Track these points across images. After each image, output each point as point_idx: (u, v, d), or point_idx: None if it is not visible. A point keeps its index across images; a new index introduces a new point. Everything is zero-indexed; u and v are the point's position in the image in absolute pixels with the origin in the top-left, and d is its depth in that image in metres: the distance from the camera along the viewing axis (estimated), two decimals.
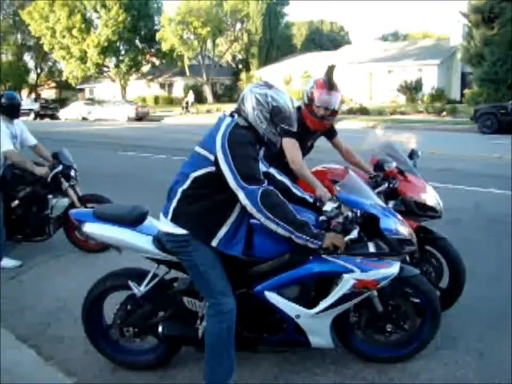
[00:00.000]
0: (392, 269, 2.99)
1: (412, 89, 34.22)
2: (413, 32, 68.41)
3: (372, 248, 2.98)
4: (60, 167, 5.39)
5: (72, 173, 5.54)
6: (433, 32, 64.92)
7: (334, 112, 3.92)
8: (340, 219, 2.97)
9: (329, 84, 3.83)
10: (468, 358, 3.42)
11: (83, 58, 43.69)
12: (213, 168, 2.74)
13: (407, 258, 3.71)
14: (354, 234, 2.90)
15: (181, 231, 2.85)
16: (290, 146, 3.82)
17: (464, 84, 34.67)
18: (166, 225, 2.93)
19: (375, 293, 3.12)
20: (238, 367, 3.00)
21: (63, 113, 38.59)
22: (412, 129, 21.49)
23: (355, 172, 3.72)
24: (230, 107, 21.20)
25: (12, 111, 5.35)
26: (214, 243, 2.84)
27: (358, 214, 3.02)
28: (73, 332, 3.79)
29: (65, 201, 5.53)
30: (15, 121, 5.46)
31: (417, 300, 3.30)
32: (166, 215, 2.92)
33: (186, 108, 36.96)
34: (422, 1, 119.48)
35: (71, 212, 3.48)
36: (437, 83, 34.78)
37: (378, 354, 3.38)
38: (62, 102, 45.83)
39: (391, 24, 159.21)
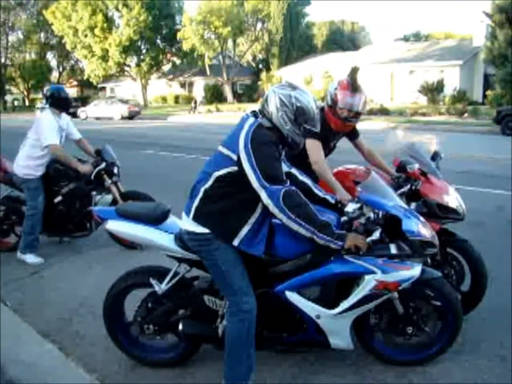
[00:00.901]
0: (414, 271, 2.97)
1: (433, 90, 33.83)
2: (434, 32, 67.68)
3: (393, 249, 2.96)
4: (103, 165, 5.44)
5: (115, 169, 5.57)
6: (455, 32, 64.28)
7: (358, 114, 3.90)
8: (362, 220, 2.97)
9: (353, 86, 3.81)
10: (489, 363, 3.37)
11: (105, 57, 44.16)
12: (235, 168, 2.74)
13: (429, 260, 3.68)
14: (376, 235, 2.89)
15: (203, 229, 2.86)
16: (313, 148, 3.80)
17: (487, 85, 34.19)
18: (188, 224, 2.94)
19: (396, 294, 3.09)
20: (257, 366, 3.00)
21: (84, 112, 38.91)
22: (433, 131, 21.29)
23: (377, 173, 3.69)
24: (249, 106, 21.26)
25: (60, 104, 5.37)
26: (236, 242, 2.85)
27: (380, 215, 3.00)
28: (93, 328, 3.83)
29: (108, 198, 5.58)
30: (62, 114, 5.48)
31: (438, 303, 3.25)
32: (188, 213, 2.94)
33: (195, 107, 37.17)
34: (443, 1, 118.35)
35: (94, 209, 3.51)
36: (459, 84, 34.41)
37: (398, 357, 3.36)
38: (83, 101, 46.24)
39: (413, 24, 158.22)
